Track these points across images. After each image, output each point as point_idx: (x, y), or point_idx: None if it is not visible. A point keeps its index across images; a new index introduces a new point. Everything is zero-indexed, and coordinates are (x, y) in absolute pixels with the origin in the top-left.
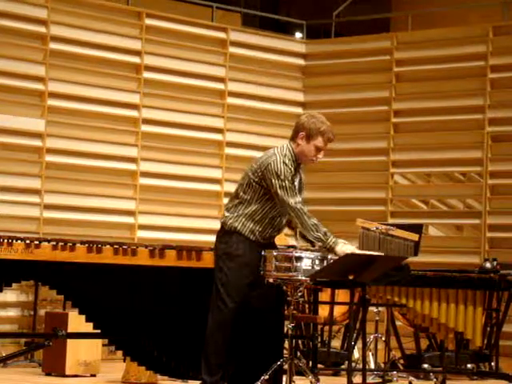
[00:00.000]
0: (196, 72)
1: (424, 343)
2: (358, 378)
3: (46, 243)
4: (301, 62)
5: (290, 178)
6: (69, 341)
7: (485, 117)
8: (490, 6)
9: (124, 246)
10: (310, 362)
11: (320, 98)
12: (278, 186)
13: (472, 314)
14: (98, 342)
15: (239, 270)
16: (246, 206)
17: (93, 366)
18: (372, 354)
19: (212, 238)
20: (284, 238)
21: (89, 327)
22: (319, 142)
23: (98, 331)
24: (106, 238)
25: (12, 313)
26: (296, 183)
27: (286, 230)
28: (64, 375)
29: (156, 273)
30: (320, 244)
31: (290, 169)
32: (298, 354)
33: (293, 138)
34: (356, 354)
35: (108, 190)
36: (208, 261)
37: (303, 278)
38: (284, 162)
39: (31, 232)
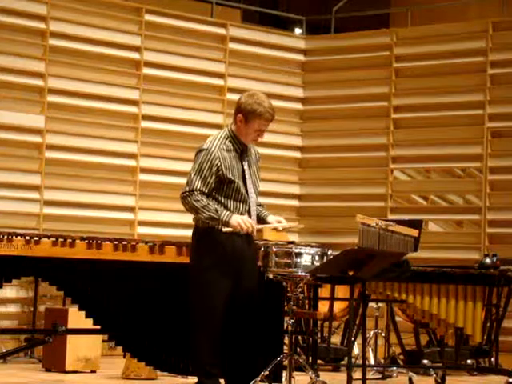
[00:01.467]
0: (196, 68)
1: (424, 339)
2: (357, 374)
3: (45, 239)
4: (300, 57)
5: (203, 165)
6: (69, 337)
7: (485, 112)
8: (489, 2)
9: (124, 242)
10: (310, 358)
11: (320, 94)
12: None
13: (472, 309)
14: (98, 337)
15: (208, 264)
16: None
17: (93, 361)
18: (372, 350)
19: None
20: (284, 234)
21: (89, 323)
22: (257, 124)
23: (98, 327)
24: (106, 234)
25: (12, 309)
26: (245, 166)
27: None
28: (64, 371)
29: (156, 269)
30: (214, 223)
31: (214, 155)
32: (298, 349)
33: (234, 119)
34: (356, 349)
35: (108, 186)
36: None
37: (303, 273)
38: (206, 149)
39: (31, 228)
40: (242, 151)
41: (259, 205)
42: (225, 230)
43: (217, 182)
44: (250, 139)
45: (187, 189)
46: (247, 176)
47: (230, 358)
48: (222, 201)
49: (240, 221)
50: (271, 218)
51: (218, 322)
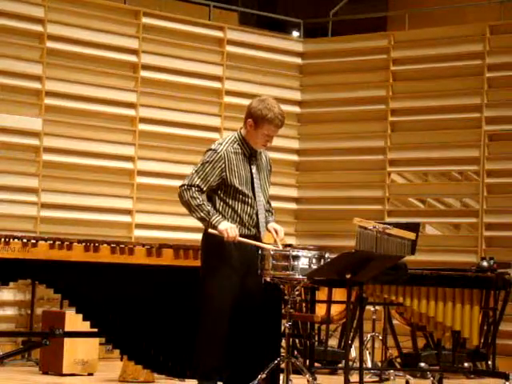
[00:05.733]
0: (193, 71)
1: (421, 342)
2: (355, 377)
3: (43, 242)
4: (298, 60)
5: (207, 164)
6: (66, 340)
7: (482, 116)
8: (487, 5)
9: (121, 245)
10: (307, 361)
11: (317, 97)
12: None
13: (469, 312)
14: (95, 340)
15: (216, 267)
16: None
17: (90, 364)
18: (369, 353)
19: None
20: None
21: (86, 326)
22: (266, 129)
23: (95, 330)
24: (103, 237)
25: (9, 312)
26: (254, 169)
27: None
28: (61, 374)
29: (153, 272)
30: (204, 224)
31: (220, 156)
32: (296, 352)
33: (244, 124)
34: (353, 352)
35: (105, 189)
36: None
37: (300, 276)
38: (213, 150)
39: (28, 231)
40: (250, 155)
41: (268, 210)
42: (210, 231)
43: (222, 184)
44: (259, 144)
45: (186, 182)
46: (255, 180)
47: (229, 361)
48: (230, 203)
49: (226, 229)
50: (270, 226)
51: (224, 324)
